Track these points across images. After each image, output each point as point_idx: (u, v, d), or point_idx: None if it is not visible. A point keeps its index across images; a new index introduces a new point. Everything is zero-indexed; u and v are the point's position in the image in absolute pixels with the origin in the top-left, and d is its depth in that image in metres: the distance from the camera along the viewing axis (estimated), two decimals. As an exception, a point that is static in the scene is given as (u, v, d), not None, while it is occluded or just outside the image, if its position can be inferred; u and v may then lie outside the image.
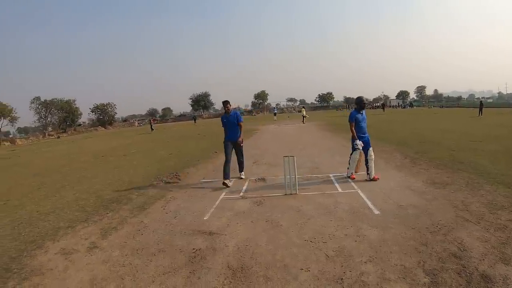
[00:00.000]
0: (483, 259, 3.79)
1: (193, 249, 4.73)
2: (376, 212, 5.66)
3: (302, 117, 37.42)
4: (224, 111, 8.96)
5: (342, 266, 3.90)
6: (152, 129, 44.02)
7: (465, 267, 3.64)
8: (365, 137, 8.10)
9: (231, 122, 8.77)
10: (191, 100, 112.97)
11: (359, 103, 8.18)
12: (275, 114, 51.96)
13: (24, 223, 6.53)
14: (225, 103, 8.76)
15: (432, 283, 3.41)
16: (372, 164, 7.85)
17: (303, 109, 41.80)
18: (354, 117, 8.02)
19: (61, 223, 6.33)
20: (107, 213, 6.73)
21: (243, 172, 9.24)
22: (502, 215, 5.07)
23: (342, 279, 3.62)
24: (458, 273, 3.54)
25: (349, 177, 8.21)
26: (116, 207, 7.11)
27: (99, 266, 4.46)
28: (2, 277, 4.33)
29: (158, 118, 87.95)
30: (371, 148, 8.06)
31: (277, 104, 50.40)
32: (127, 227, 5.85)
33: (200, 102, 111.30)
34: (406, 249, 4.22)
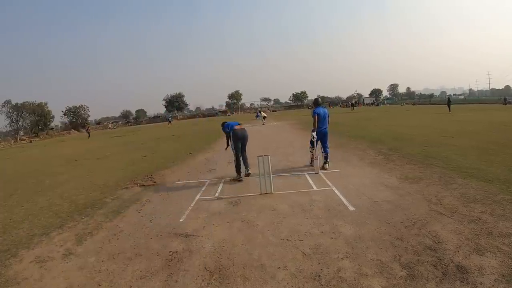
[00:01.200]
0: (458, 251, 3.83)
1: (170, 252, 4.65)
2: (351, 208, 5.69)
3: (263, 118, 36.67)
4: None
5: (319, 263, 3.89)
6: (89, 136, 44.10)
7: (441, 259, 3.68)
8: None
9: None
10: (164, 102, 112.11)
11: (315, 102, 10.02)
12: (257, 116, 52.07)
13: (-3, 232, 6.31)
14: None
15: (409, 276, 3.42)
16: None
17: (262, 112, 41.83)
18: (318, 113, 9.22)
19: (35, 230, 6.14)
20: (82, 219, 6.57)
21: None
22: (475, 207, 5.16)
23: (319, 276, 3.60)
24: (434, 266, 3.56)
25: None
26: (91, 212, 6.95)
27: (75, 273, 4.34)
28: (-25, 289, 4.16)
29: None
30: (327, 139, 9.43)
31: (259, 111, 50.48)
32: (102, 232, 5.72)
33: (174, 103, 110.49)
34: (381, 244, 4.23)
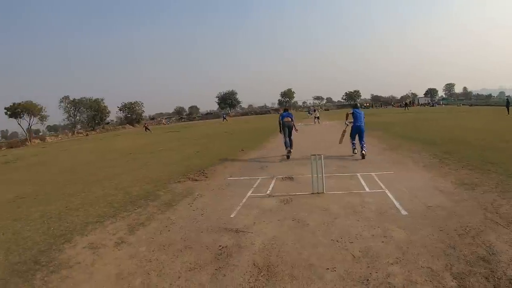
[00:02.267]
0: (513, 264, 3.73)
1: (219, 246, 4.81)
2: (404, 212, 5.61)
3: (315, 118, 35.22)
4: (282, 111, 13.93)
5: (368, 267, 3.91)
6: (147, 131, 44.50)
7: (493, 272, 3.59)
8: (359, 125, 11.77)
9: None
10: (217, 99, 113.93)
11: (354, 105, 12.93)
12: (309, 112, 51.54)
13: (53, 218, 6.82)
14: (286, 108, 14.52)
15: (459, 287, 3.38)
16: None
17: (316, 111, 40.58)
18: (353, 111, 12.07)
19: (89, 218, 6.57)
20: (135, 209, 6.92)
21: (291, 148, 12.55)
22: (533, 218, 4.95)
23: (368, 280, 3.63)
24: (486, 278, 3.49)
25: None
26: (144, 204, 7.30)
27: (126, 261, 4.61)
28: (31, 269, 4.56)
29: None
30: (363, 134, 11.71)
31: (313, 109, 50.08)
32: (154, 223, 6.00)
33: (227, 100, 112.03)
34: (433, 251, 4.18)
